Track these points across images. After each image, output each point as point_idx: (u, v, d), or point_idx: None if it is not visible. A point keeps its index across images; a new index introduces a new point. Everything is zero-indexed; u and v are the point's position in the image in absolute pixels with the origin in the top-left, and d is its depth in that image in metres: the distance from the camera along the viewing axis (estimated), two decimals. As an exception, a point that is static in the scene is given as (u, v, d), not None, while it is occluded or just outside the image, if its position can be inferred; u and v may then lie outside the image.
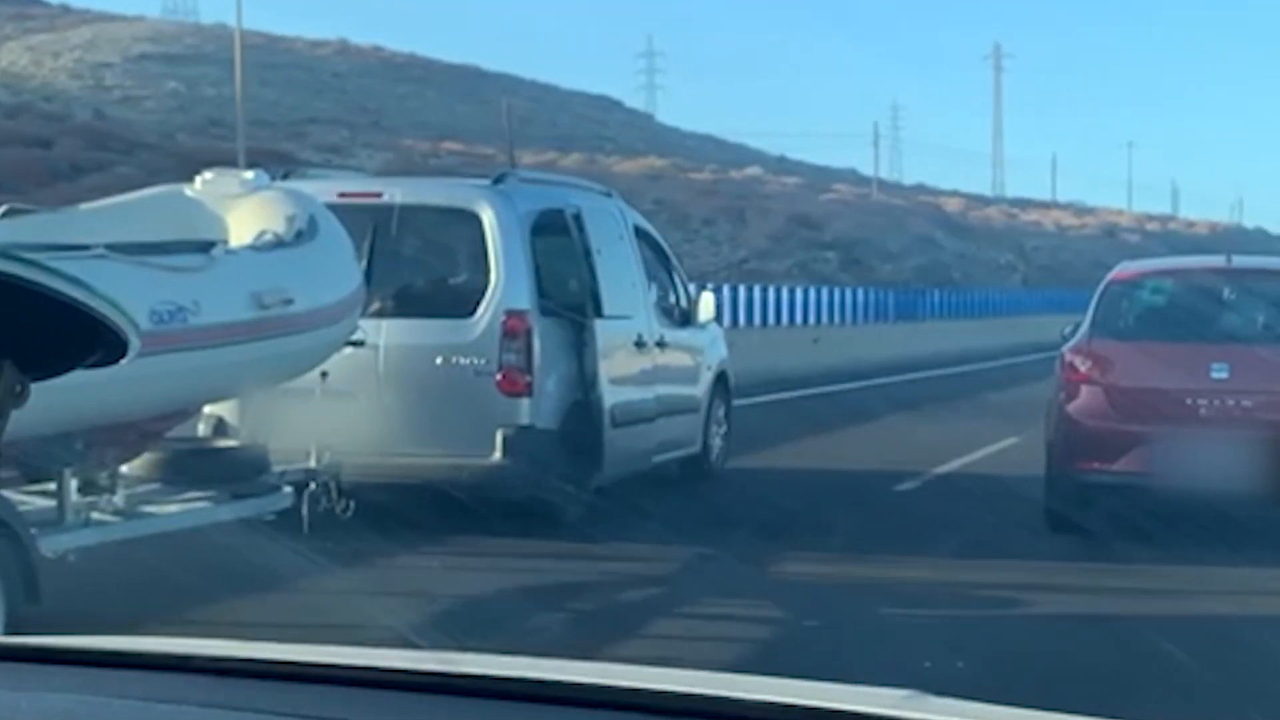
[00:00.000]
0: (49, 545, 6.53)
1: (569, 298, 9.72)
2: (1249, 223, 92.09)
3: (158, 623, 6.49)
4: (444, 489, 9.33)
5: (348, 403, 9.06)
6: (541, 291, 9.55)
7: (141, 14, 60.25)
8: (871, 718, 1.41)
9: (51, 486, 6.89)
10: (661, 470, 11.09)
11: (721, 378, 12.25)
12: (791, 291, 27.77)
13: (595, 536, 9.12)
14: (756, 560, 8.66)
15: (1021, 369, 23.36)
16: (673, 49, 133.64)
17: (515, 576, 8.18)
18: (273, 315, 7.06)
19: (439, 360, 9.29)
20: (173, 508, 7.61)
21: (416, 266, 9.82)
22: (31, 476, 6.97)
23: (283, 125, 46.66)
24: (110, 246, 6.44)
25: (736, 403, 12.88)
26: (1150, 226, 79.61)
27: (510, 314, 9.30)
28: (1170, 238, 73.09)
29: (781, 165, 66.21)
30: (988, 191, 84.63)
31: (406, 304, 9.46)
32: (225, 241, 7.24)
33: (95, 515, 7.14)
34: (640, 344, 10.65)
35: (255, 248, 7.40)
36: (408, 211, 9.55)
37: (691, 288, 12.41)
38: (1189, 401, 8.99)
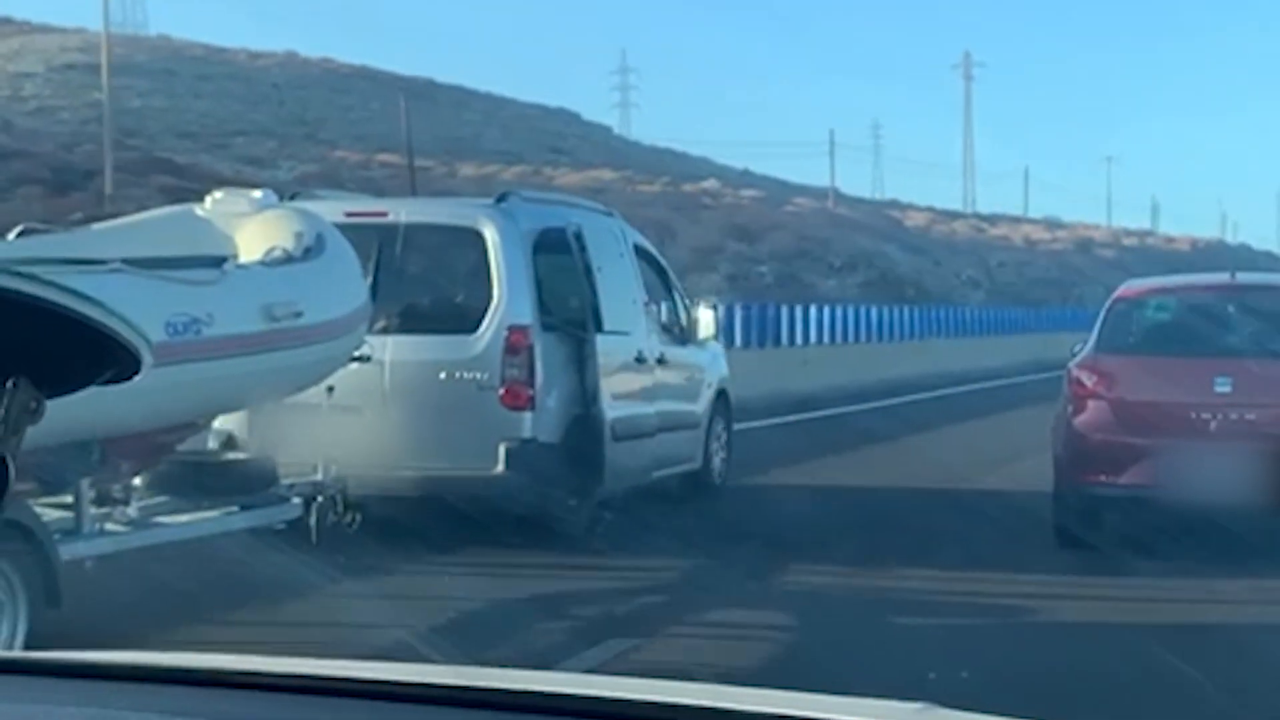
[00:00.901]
0: (67, 552, 6.63)
1: (570, 314, 9.79)
2: (1232, 239, 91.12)
3: (167, 632, 6.61)
4: (448, 501, 9.42)
5: (354, 417, 9.13)
6: (543, 308, 9.63)
7: (83, 26, 59.24)
8: None
9: (69, 498, 6.97)
10: (662, 485, 11.12)
11: (722, 395, 12.32)
12: (777, 309, 26.33)
13: (596, 548, 9.20)
14: (759, 571, 8.69)
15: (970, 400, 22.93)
16: (647, 65, 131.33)
17: (514, 587, 8.25)
18: (283, 328, 7.16)
19: (443, 375, 9.38)
20: (184, 518, 7.71)
21: (421, 284, 9.91)
22: (49, 488, 7.03)
23: (208, 136, 45.61)
24: (127, 261, 6.53)
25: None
26: (1127, 242, 77.44)
27: (512, 330, 9.39)
28: (1148, 253, 71.71)
29: (744, 179, 64.22)
30: (960, 206, 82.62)
31: (411, 320, 9.55)
32: (236, 256, 7.32)
33: (110, 525, 7.24)
34: (640, 360, 10.74)
35: (265, 263, 7.50)
36: (412, 230, 9.65)
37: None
38: (1193, 415, 9.06)
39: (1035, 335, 36.61)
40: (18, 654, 4.46)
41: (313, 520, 8.45)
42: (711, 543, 9.80)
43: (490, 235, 9.51)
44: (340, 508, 8.76)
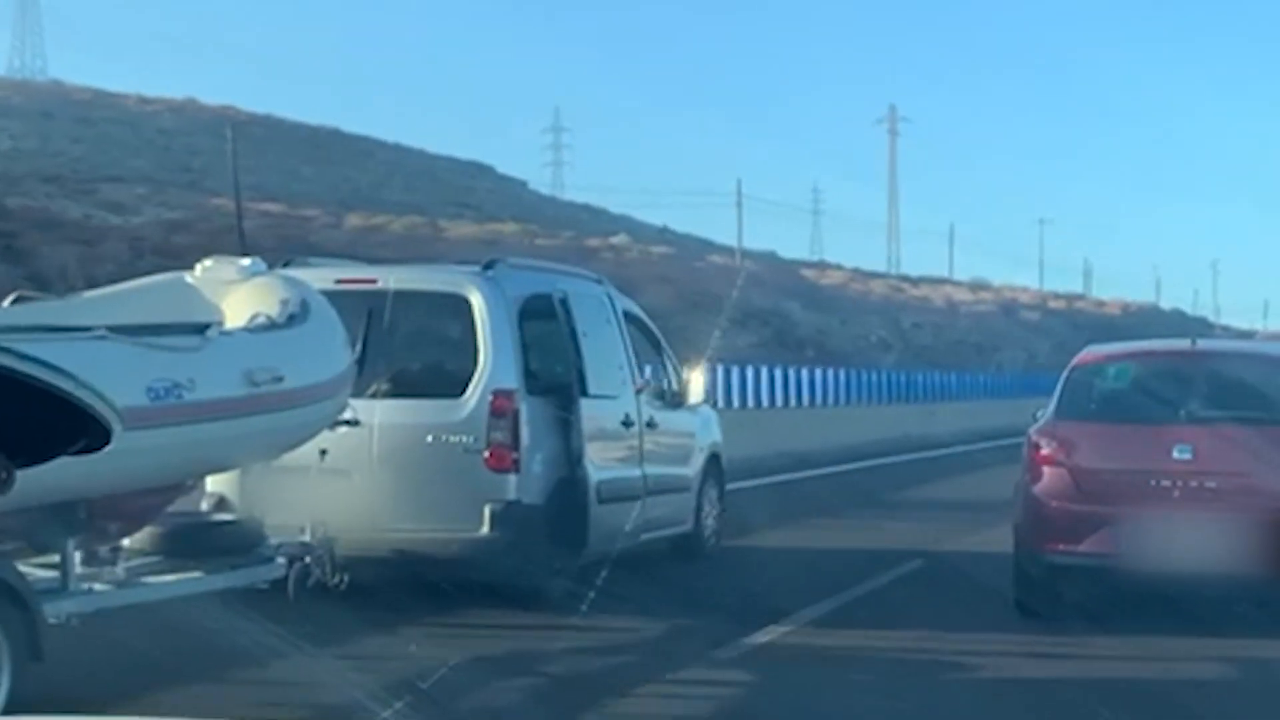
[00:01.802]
0: (53, 610, 6.76)
1: (556, 378, 9.92)
2: (1166, 304, 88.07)
3: (137, 694, 6.66)
4: (433, 562, 9.47)
5: (342, 479, 9.28)
6: (529, 372, 9.76)
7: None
8: None
9: (57, 558, 7.09)
10: (653, 547, 11.21)
11: (714, 458, 12.41)
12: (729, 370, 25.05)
13: (576, 609, 9.19)
14: (734, 634, 8.73)
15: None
16: (582, 123, 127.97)
17: (486, 647, 8.31)
18: (264, 392, 7.30)
19: (430, 438, 9.49)
20: (170, 578, 7.83)
21: (409, 349, 10.05)
22: (37, 548, 7.17)
23: (74, 181, 43.79)
24: (111, 328, 6.68)
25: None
26: (1055, 305, 74.30)
27: (498, 394, 9.50)
28: (1075, 316, 69.26)
29: (661, 235, 61.28)
30: (884, 266, 78.45)
31: (400, 384, 9.67)
32: (220, 323, 7.47)
33: (97, 585, 7.36)
34: (627, 423, 10.85)
35: (249, 329, 7.65)
36: (401, 297, 9.79)
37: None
38: (1152, 483, 8.92)
39: (952, 402, 35.02)
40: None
41: (291, 580, 8.52)
42: (691, 604, 9.84)
43: (477, 301, 9.66)
44: (328, 568, 8.87)
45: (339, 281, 9.71)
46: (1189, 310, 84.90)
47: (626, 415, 10.83)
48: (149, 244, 29.85)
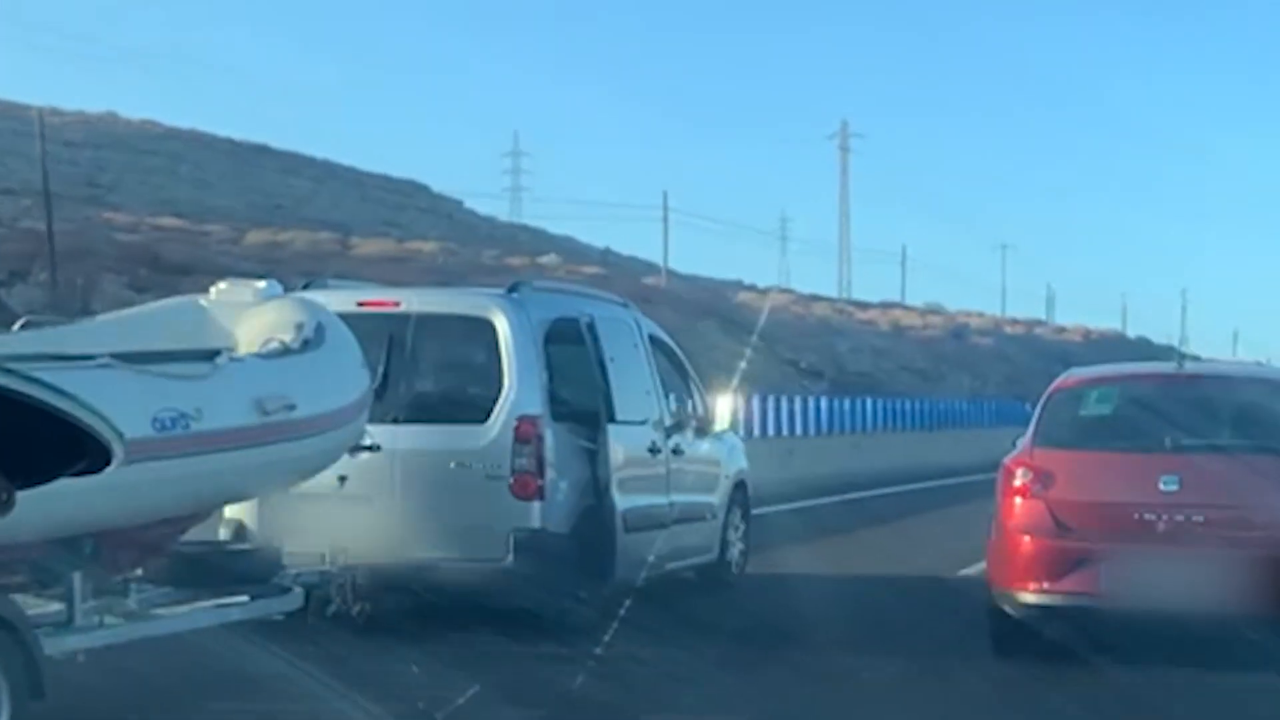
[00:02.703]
0: (58, 646, 6.49)
1: (582, 404, 9.63)
2: (1133, 332, 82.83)
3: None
4: (456, 591, 9.27)
5: (363, 506, 9.08)
6: (554, 398, 9.49)
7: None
8: None
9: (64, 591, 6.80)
10: (678, 575, 10.92)
11: (740, 486, 12.10)
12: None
13: (597, 638, 8.93)
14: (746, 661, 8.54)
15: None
16: (539, 149, 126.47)
17: (509, 677, 8.08)
18: (275, 421, 6.99)
19: (453, 465, 9.25)
20: (183, 609, 7.55)
21: (432, 373, 9.79)
22: (44, 582, 6.87)
23: None
24: (116, 355, 6.39)
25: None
26: (1012, 330, 70.02)
27: (522, 419, 9.25)
28: (1033, 342, 65.98)
29: (601, 257, 57.93)
30: (834, 289, 73.13)
31: (422, 410, 9.42)
32: (232, 349, 7.17)
33: (108, 619, 7.07)
34: (654, 450, 10.56)
35: (260, 355, 7.37)
36: (424, 320, 9.52)
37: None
38: (1136, 516, 8.24)
39: (883, 434, 31.04)
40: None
41: (310, 609, 8.30)
42: (710, 632, 9.57)
43: (501, 325, 9.40)
44: (349, 597, 8.63)
45: (360, 304, 9.51)
46: (1155, 339, 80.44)
47: (653, 442, 10.54)
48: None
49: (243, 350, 7.43)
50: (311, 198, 54.33)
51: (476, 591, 9.19)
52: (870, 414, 31.71)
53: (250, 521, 9.08)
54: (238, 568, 7.97)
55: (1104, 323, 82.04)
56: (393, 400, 9.22)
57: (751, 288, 61.03)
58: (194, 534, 8.18)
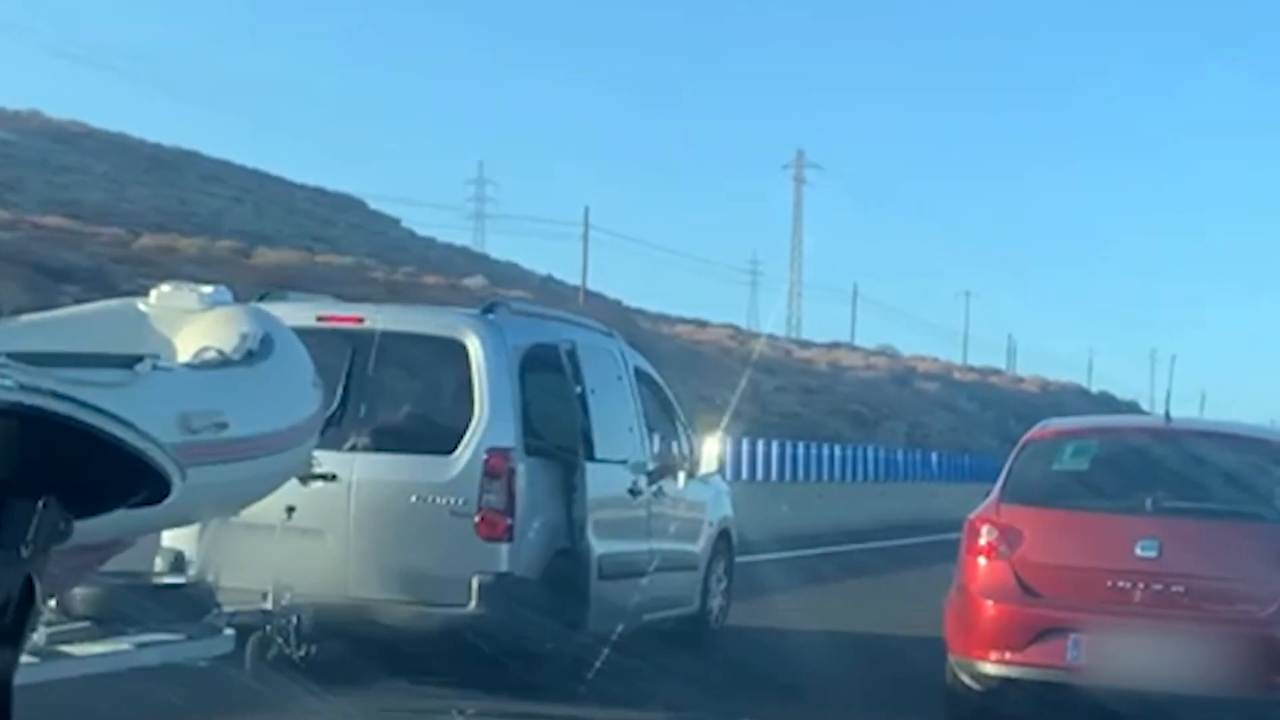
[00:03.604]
0: None
1: (558, 438, 8.83)
2: (1097, 386, 79.64)
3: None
4: (413, 637, 8.40)
5: (313, 541, 8.23)
6: (529, 430, 8.68)
7: None
8: None
9: None
10: (655, 627, 10.06)
11: (724, 535, 11.23)
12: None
13: (573, 693, 8.20)
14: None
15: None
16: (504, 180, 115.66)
17: None
18: (202, 440, 6.00)
19: (414, 499, 8.42)
20: (96, 648, 6.68)
21: (396, 398, 8.95)
22: None
23: None
24: (13, 355, 5.43)
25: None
26: (963, 377, 65.35)
27: (492, 452, 8.42)
28: (986, 391, 61.90)
29: (543, 284, 54.81)
30: (782, 327, 69.13)
31: (383, 437, 8.59)
32: (158, 357, 6.22)
33: None
34: (635, 492, 9.72)
35: (192, 365, 6.42)
36: (389, 339, 8.69)
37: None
38: (1110, 583, 7.56)
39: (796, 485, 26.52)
40: None
41: (249, 653, 7.55)
42: (681, 689, 8.88)
43: (474, 348, 8.56)
44: (291, 639, 7.82)
45: (320, 319, 8.69)
46: (1119, 394, 76.93)
47: (635, 483, 9.70)
48: None
49: (173, 360, 6.50)
50: (231, 207, 52.39)
51: (435, 638, 8.35)
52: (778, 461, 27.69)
53: (191, 551, 8.15)
54: (163, 604, 7.10)
55: (1066, 376, 78.51)
56: (351, 426, 8.48)
57: (696, 321, 57.70)
58: (126, 563, 7.35)
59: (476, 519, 8.34)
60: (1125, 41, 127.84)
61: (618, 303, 55.37)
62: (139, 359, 5.91)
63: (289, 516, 7.92)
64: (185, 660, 6.94)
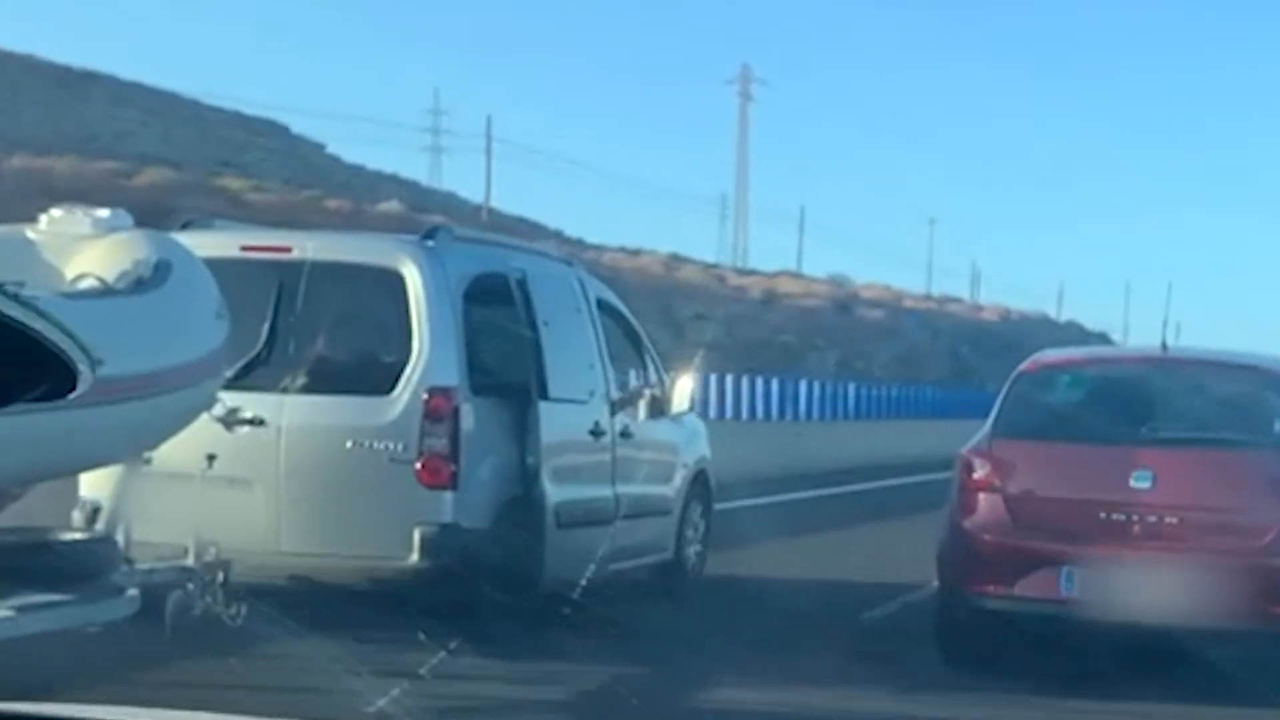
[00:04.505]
0: None
1: (509, 376, 8.17)
2: (1065, 315, 76.32)
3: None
4: (351, 595, 7.76)
5: (242, 492, 7.66)
6: (475, 367, 7.96)
7: None
8: None
9: None
10: (628, 577, 9.38)
11: (700, 477, 10.54)
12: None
13: (521, 656, 7.53)
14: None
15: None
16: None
17: (410, 699, 6.55)
18: None
19: (349, 444, 7.72)
20: None
21: (328, 334, 8.10)
22: None
23: None
24: None
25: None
26: (915, 305, 61.28)
27: (434, 392, 7.72)
28: (934, 318, 58.36)
29: (475, 214, 51.48)
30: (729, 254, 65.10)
31: (314, 378, 7.84)
32: (21, 285, 5.46)
33: None
34: (597, 433, 8.99)
35: (66, 295, 5.66)
36: (320, 269, 7.94)
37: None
38: (1104, 515, 7.46)
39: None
40: None
41: (168, 612, 6.89)
42: (652, 643, 8.34)
43: (412, 278, 7.83)
44: (218, 598, 7.18)
45: (245, 248, 8.02)
46: (1088, 324, 73.25)
47: (596, 423, 8.97)
48: None
49: (43, 290, 5.73)
50: (138, 130, 50.57)
51: (375, 596, 7.69)
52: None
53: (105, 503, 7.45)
54: (58, 562, 6.33)
55: (1035, 305, 75.15)
56: (280, 365, 7.76)
57: (626, 249, 54.05)
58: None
59: (417, 465, 7.68)
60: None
61: (525, 219, 52.79)
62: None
63: (209, 465, 7.30)
64: (78, 625, 6.24)
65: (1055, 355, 9.18)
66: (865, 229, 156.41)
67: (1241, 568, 7.35)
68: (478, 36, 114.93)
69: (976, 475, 7.78)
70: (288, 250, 8.04)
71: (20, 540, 6.38)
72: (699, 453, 10.60)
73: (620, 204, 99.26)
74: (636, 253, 53.92)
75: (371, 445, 7.68)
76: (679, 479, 10.19)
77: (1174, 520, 7.44)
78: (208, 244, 7.56)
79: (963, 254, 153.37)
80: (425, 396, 7.69)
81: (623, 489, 9.20)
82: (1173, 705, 7.24)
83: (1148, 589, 7.30)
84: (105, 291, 5.78)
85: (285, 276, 7.83)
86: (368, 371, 7.93)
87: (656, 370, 10.20)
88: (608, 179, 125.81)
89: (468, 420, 7.79)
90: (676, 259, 55.29)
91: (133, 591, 6.45)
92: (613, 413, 9.17)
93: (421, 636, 7.26)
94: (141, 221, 6.71)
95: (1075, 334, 65.84)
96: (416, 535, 7.61)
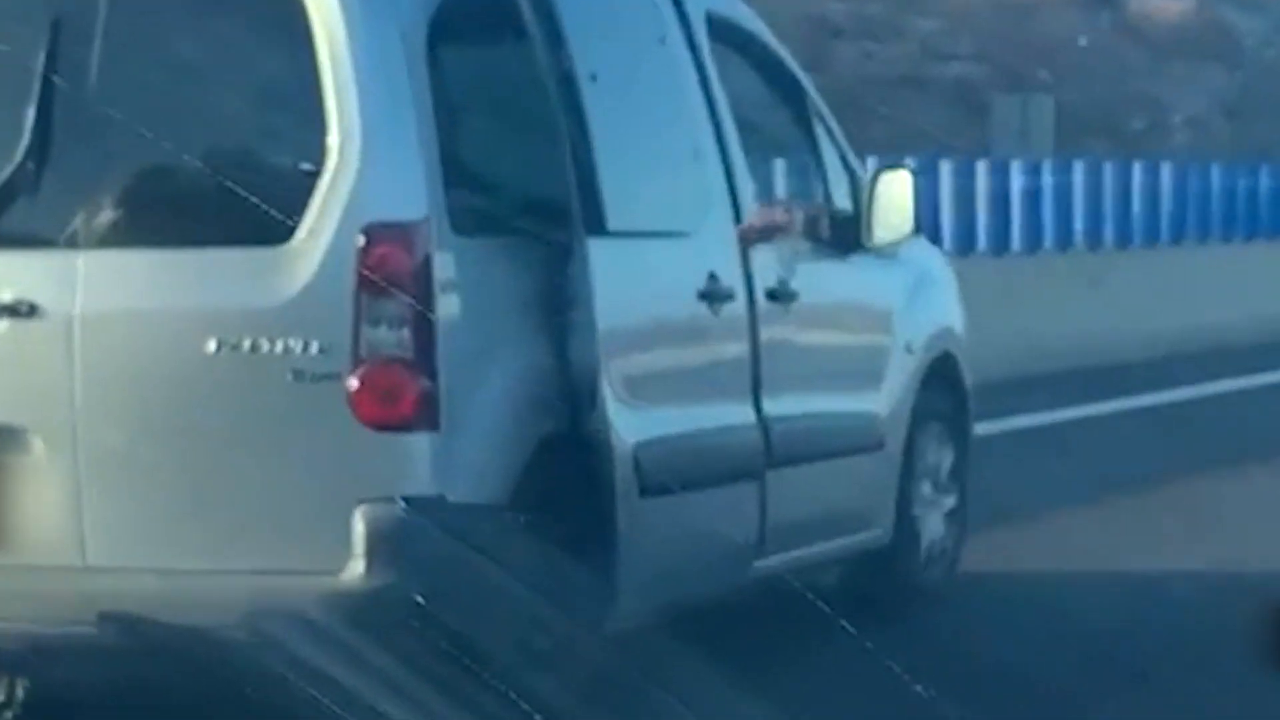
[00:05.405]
0: None
1: (525, 191, 8.45)
2: None
3: None
4: (233, 651, 7.94)
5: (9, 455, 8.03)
6: (456, 177, 8.12)
7: None
8: None
9: None
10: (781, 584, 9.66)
11: (943, 372, 11.26)
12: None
13: None
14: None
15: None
16: None
17: None
18: None
19: (211, 347, 7.85)
20: None
21: (160, 119, 8.14)
22: None
23: None
24: None
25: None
26: None
27: (377, 232, 7.81)
28: None
29: None
30: None
31: (135, 213, 8.00)
32: None
33: None
34: (715, 296, 9.28)
35: None
36: None
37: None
38: None
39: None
40: None
41: None
42: None
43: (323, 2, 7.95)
44: None
45: None
46: None
47: (713, 276, 9.26)
48: None
49: None
50: None
51: (274, 652, 7.75)
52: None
53: None
54: None
55: None
56: (65, 187, 8.05)
57: None
58: None
59: (352, 383, 7.79)
60: None
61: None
62: None
63: None
64: None
65: None
66: None
67: None
68: None
69: None
70: None
71: None
72: (938, 323, 11.28)
73: None
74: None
75: (256, 347, 7.82)
76: (899, 380, 10.79)
77: None
78: None
79: None
80: (361, 243, 7.77)
81: (777, 407, 9.64)
82: None
83: None
84: None
85: (64, 10, 8.11)
86: (240, 197, 7.89)
87: (844, 162, 10.76)
88: None
89: (447, 291, 7.93)
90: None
91: None
92: (747, 253, 9.41)
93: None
94: None
95: None
96: (359, 525, 7.73)
